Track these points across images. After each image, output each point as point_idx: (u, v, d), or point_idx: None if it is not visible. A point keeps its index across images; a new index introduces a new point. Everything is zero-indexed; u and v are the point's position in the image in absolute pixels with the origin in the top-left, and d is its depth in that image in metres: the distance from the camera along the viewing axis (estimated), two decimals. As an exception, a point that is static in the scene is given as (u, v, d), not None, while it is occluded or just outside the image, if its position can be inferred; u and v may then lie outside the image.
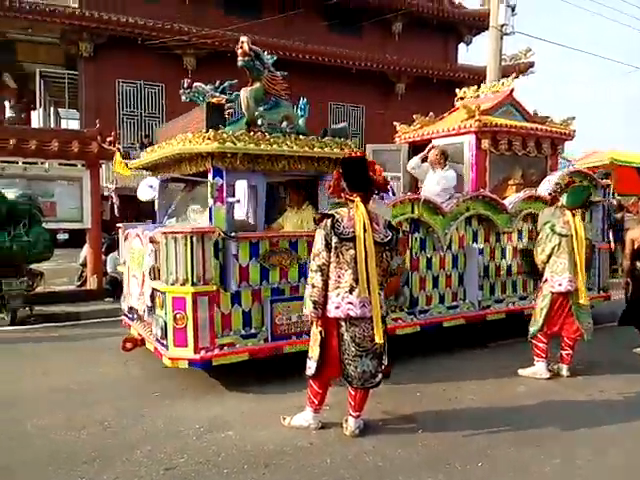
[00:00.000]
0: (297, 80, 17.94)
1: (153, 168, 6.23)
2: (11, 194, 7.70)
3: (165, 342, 4.72)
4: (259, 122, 5.04)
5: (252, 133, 4.91)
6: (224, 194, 4.79)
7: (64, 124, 24.15)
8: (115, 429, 4.02)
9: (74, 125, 22.03)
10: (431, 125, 7.67)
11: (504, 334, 6.49)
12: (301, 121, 5.84)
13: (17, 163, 8.90)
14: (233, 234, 4.76)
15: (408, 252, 5.85)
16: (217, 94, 5.60)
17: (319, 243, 3.70)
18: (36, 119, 21.73)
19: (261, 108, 5.18)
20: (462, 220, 6.20)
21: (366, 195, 3.72)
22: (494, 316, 6.46)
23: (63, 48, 17.26)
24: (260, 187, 5.06)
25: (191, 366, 4.67)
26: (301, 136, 5.17)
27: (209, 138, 4.65)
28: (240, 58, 4.96)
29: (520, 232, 6.79)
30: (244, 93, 5.05)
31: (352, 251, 3.61)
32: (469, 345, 6.20)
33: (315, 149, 5.13)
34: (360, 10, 20.59)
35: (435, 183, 6.36)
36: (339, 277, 3.67)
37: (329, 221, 3.67)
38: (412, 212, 5.79)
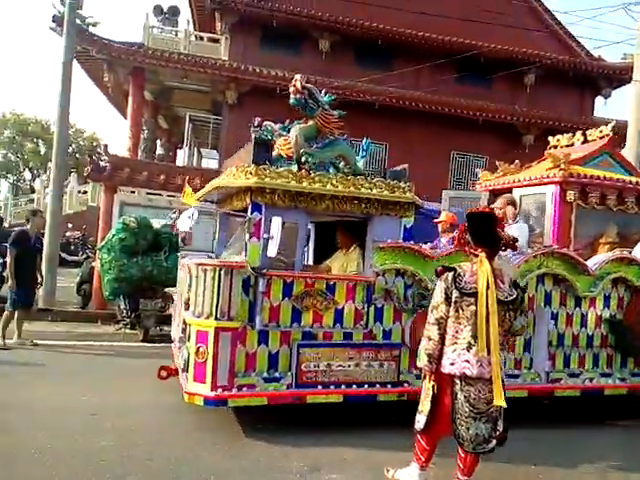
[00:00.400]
0: (422, 128, 18.54)
1: (215, 201, 6.35)
2: (156, 224, 8.66)
3: (186, 375, 4.64)
4: (304, 159, 4.93)
5: (297, 170, 4.82)
6: (261, 230, 4.69)
7: (204, 163, 26.95)
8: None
9: (213, 164, 24.08)
10: (514, 173, 7.09)
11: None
12: (361, 162, 5.69)
13: (162, 195, 9.88)
14: (264, 271, 4.62)
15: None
16: (284, 133, 5.50)
17: (438, 296, 3.66)
18: (181, 157, 24.56)
19: (313, 146, 5.09)
20: (532, 278, 5.54)
21: (492, 251, 3.64)
22: (565, 392, 5.62)
23: (211, 95, 18.81)
24: (302, 225, 4.91)
25: (206, 404, 4.51)
26: (354, 176, 4.98)
27: (250, 173, 4.62)
28: (292, 96, 4.93)
29: (607, 298, 5.91)
30: (294, 131, 4.99)
31: (473, 307, 3.52)
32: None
33: (362, 190, 4.89)
34: (491, 62, 20.41)
35: None
36: (457, 332, 3.58)
37: (451, 274, 3.63)
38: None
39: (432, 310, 3.67)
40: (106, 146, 12.89)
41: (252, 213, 4.70)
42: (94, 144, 42.73)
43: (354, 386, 4.85)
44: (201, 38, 19.32)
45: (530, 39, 21.11)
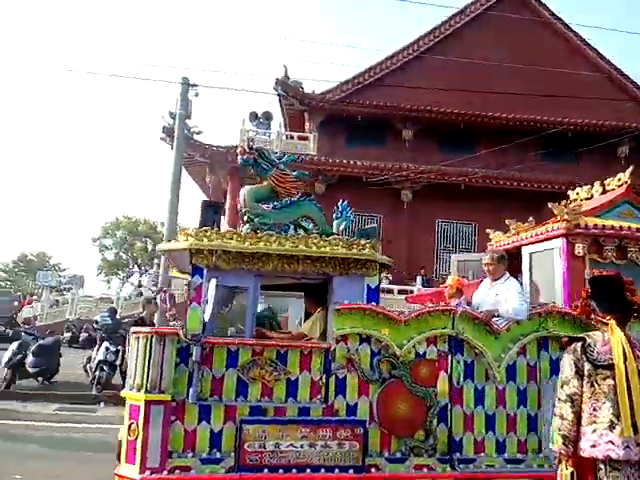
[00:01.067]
0: (512, 205, 18.23)
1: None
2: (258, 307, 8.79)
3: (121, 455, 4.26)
4: (254, 220, 4.70)
5: (249, 231, 4.60)
6: (202, 294, 4.41)
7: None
8: None
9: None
10: (526, 231, 6.40)
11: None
12: (342, 225, 5.41)
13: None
14: (202, 338, 4.27)
15: (446, 378, 4.61)
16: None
17: (567, 369, 3.39)
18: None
19: (271, 206, 4.89)
20: (530, 343, 4.75)
21: (623, 318, 3.41)
22: (585, 483, 4.56)
23: (301, 188, 19.98)
24: (251, 289, 4.58)
25: (139, 489, 4.06)
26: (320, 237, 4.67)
27: (189, 234, 4.44)
28: (240, 157, 4.81)
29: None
30: (242, 191, 4.82)
31: (610, 381, 3.22)
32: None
33: (313, 248, 4.53)
34: (578, 136, 20.26)
35: (496, 295, 5.06)
36: (594, 410, 3.26)
37: (579, 345, 3.39)
38: (452, 327, 4.63)
39: (562, 386, 3.37)
40: None
41: (193, 276, 4.46)
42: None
43: (308, 470, 4.20)
44: (291, 137, 21.09)
45: (617, 110, 20.98)
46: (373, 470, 4.31)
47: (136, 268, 49.38)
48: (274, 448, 4.19)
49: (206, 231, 4.44)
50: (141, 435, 4.05)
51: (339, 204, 5.59)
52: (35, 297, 28.01)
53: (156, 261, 46.46)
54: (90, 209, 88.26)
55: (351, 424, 4.35)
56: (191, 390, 4.16)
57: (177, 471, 4.08)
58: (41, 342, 10.44)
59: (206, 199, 5.64)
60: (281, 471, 4.16)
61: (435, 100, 20.28)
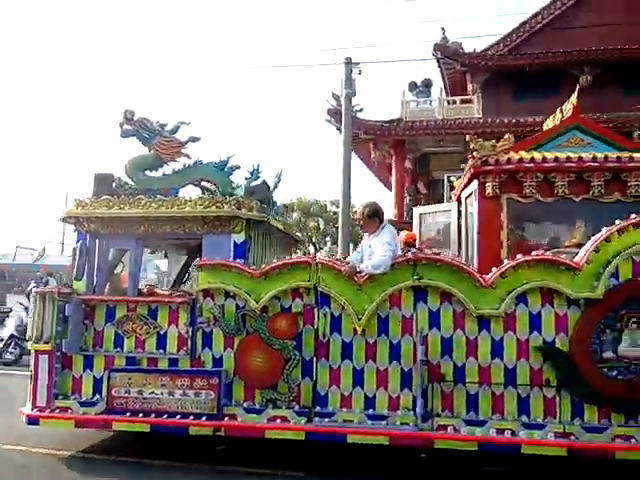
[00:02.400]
0: None
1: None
2: None
3: (32, 398, 5.00)
4: (136, 186, 5.06)
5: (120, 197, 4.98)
6: (84, 257, 4.92)
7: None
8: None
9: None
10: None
11: None
12: (257, 182, 5.52)
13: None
14: (75, 296, 4.80)
15: (312, 331, 4.54)
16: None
17: None
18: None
19: (160, 173, 5.21)
20: (405, 294, 4.43)
21: None
22: (455, 445, 4.18)
23: (464, 155, 19.88)
24: (134, 251, 4.97)
25: (28, 424, 4.77)
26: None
27: (73, 204, 4.96)
28: (120, 130, 5.16)
29: (536, 317, 4.30)
30: (126, 161, 5.18)
31: None
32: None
33: (175, 209, 4.77)
34: None
35: (369, 248, 4.73)
36: None
37: None
38: (308, 279, 4.53)
39: None
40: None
41: (77, 242, 4.98)
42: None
43: (165, 416, 4.53)
44: (454, 102, 20.19)
45: None
46: (227, 419, 4.48)
47: (311, 246, 52.53)
48: (137, 395, 4.59)
49: (86, 200, 4.92)
50: (33, 379, 4.75)
51: (253, 165, 5.66)
52: None
53: (328, 238, 49.60)
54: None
55: (207, 374, 4.55)
56: (64, 342, 4.73)
57: (58, 410, 4.71)
58: None
59: (100, 172, 6.00)
60: (141, 415, 4.55)
61: (610, 40, 17.90)
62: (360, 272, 4.44)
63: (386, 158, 19.61)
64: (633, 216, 4.17)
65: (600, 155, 4.70)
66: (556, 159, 4.71)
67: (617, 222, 4.22)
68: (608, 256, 4.16)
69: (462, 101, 19.71)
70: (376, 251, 4.49)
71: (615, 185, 4.73)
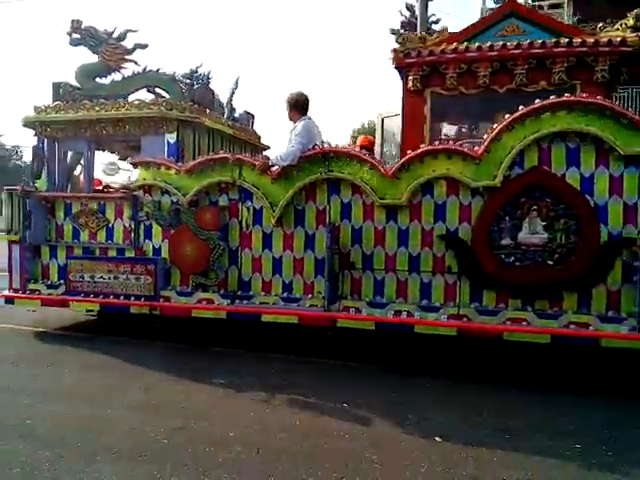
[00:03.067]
0: None
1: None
2: None
3: (12, 282, 5.78)
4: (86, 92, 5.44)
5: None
6: (39, 158, 5.46)
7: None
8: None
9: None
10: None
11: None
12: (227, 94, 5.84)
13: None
14: (34, 193, 5.39)
15: (236, 224, 4.89)
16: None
17: None
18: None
19: (104, 80, 5.56)
20: (318, 185, 4.63)
21: None
22: (354, 324, 4.49)
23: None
24: (86, 152, 5.44)
25: (5, 303, 5.55)
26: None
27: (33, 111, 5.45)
28: (68, 38, 5.48)
29: (441, 207, 4.38)
30: (76, 69, 5.53)
31: None
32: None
33: (113, 111, 5.14)
34: None
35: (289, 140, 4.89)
36: None
37: None
38: (230, 175, 4.81)
39: None
40: None
41: (36, 146, 5.50)
42: None
43: (111, 297, 5.13)
44: (540, 7, 18.70)
45: None
46: (162, 300, 5.01)
47: None
48: (89, 279, 5.20)
49: (41, 106, 5.38)
50: (7, 265, 5.49)
51: (191, 68, 5.87)
52: None
53: None
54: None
55: (145, 261, 5.06)
56: (28, 233, 5.38)
57: (29, 292, 5.44)
58: None
59: (56, 81, 6.18)
60: (92, 296, 5.18)
61: None
62: (272, 165, 4.67)
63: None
64: (537, 101, 4.06)
65: (524, 42, 4.49)
66: (479, 48, 4.55)
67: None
68: (509, 145, 4.12)
69: (550, 6, 17.87)
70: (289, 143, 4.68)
71: (540, 73, 4.53)
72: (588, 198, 4.05)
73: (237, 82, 6.15)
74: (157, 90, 5.66)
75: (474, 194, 4.28)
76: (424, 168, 4.32)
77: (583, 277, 4.04)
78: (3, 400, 3.61)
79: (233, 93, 6.18)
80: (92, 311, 5.69)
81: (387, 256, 4.52)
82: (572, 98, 4.02)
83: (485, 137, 4.18)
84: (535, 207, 4.14)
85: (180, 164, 4.97)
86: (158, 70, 5.60)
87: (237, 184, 4.81)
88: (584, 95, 4.05)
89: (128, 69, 5.58)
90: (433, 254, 4.41)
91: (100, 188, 5.72)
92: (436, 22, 15.08)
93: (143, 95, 5.64)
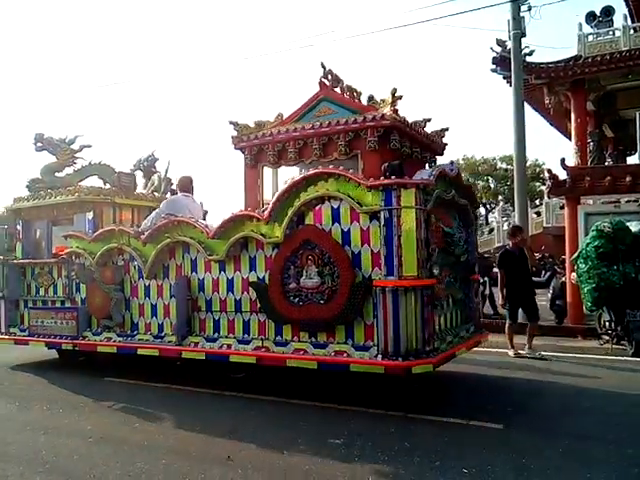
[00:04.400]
0: None
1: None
2: (634, 227, 7.98)
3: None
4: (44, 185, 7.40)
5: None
6: (20, 235, 7.47)
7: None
8: None
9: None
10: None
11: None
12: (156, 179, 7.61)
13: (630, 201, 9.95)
14: (11, 261, 7.37)
15: (129, 278, 6.38)
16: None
17: None
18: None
19: (60, 174, 7.51)
20: (176, 246, 5.97)
21: None
22: (193, 355, 5.69)
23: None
24: (45, 229, 7.36)
25: (-5, 343, 7.53)
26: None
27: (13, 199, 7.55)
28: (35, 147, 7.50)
29: (254, 259, 5.49)
30: (40, 168, 7.53)
31: None
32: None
33: (48, 199, 7.03)
34: None
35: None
36: None
37: None
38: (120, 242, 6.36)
39: None
40: (563, 160, 12.29)
41: (16, 226, 7.54)
42: (537, 170, 45.12)
43: (52, 337, 6.84)
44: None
45: None
46: (81, 339, 6.61)
47: (482, 208, 50.97)
48: (41, 324, 6.98)
49: (18, 197, 7.44)
50: None
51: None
52: None
53: (500, 197, 46.78)
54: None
55: (71, 310, 6.73)
56: (6, 291, 7.34)
57: (7, 334, 7.36)
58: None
59: (30, 177, 7.91)
60: (42, 337, 6.93)
61: None
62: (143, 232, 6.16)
63: (563, 102, 17.34)
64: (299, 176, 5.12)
65: (317, 123, 5.55)
66: (286, 131, 5.67)
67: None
68: (286, 209, 5.18)
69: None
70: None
71: (331, 146, 5.52)
72: (347, 248, 4.96)
73: (167, 167, 7.76)
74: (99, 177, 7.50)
75: (273, 248, 5.35)
76: (236, 230, 5.50)
77: (343, 313, 4.91)
78: None
79: (166, 171, 7.83)
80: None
81: (221, 300, 5.70)
82: (322, 170, 5.04)
83: (270, 203, 5.30)
84: (310, 257, 5.12)
85: (90, 234, 6.62)
86: (100, 162, 7.44)
87: (125, 248, 6.34)
88: (331, 167, 5.04)
89: (77, 164, 7.48)
90: (250, 298, 5.51)
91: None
92: (530, 54, 14.61)
93: (95, 182, 7.53)
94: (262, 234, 5.32)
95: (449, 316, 5.68)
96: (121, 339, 6.32)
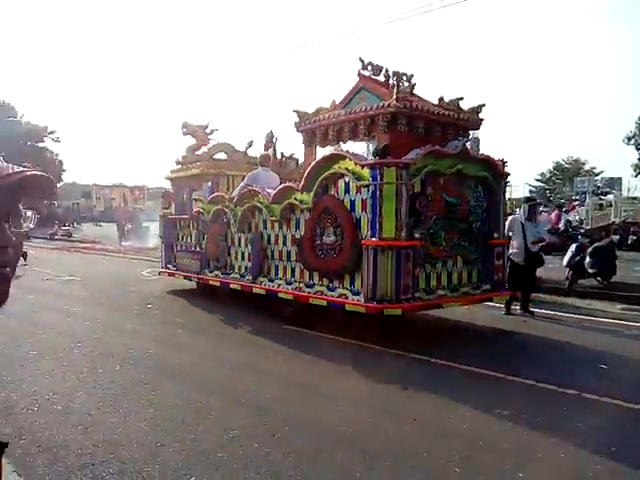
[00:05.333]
0: None
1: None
2: None
3: None
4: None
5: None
6: (174, 197, 10.20)
7: None
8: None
9: None
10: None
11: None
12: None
13: None
14: (167, 216, 10.15)
15: (228, 232, 8.54)
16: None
17: None
18: None
19: (199, 151, 10.03)
20: (247, 209, 7.87)
21: None
22: (258, 291, 7.57)
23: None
24: (187, 194, 9.94)
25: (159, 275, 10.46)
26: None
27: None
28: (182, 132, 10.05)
29: (297, 221, 7.10)
30: (185, 147, 10.09)
31: None
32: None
33: (191, 171, 9.52)
34: None
35: None
36: None
37: None
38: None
39: None
40: None
41: (167, 190, 10.29)
42: None
43: (188, 272, 9.43)
44: None
45: None
46: (202, 274, 9.05)
47: None
48: (183, 262, 9.63)
49: (173, 169, 10.15)
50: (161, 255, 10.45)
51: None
52: (577, 202, 26.35)
53: None
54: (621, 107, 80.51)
55: (198, 253, 9.19)
56: (166, 237, 10.15)
57: (167, 268, 10.22)
58: (597, 244, 10.48)
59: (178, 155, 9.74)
60: (182, 271, 9.60)
61: None
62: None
63: None
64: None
65: (346, 111, 6.79)
66: (328, 117, 7.05)
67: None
68: (315, 179, 6.65)
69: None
70: None
71: (357, 130, 6.72)
72: (352, 214, 6.27)
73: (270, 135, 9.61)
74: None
75: (306, 212, 6.89)
76: (285, 197, 7.16)
77: (347, 265, 6.27)
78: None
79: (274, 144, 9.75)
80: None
81: (279, 251, 7.47)
82: (335, 152, 6.43)
83: (303, 177, 6.82)
84: (329, 220, 6.55)
85: (207, 198, 8.90)
86: (224, 142, 9.71)
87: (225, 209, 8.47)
88: (342, 149, 6.35)
89: (210, 143, 9.86)
90: (295, 250, 7.17)
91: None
92: None
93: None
94: (299, 201, 6.89)
95: (455, 274, 6.60)
96: (222, 276, 8.56)
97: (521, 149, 79.94)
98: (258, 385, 4.72)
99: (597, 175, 45.94)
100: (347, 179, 6.33)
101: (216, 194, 8.75)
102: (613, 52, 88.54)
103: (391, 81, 6.87)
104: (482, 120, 7.26)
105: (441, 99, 7.03)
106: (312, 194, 6.67)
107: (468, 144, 6.57)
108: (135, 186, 38.83)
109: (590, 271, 10.03)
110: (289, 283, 7.19)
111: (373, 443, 3.61)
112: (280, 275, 7.43)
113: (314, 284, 6.80)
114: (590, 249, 10.11)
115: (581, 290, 9.77)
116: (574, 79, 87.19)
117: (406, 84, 6.64)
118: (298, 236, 7.07)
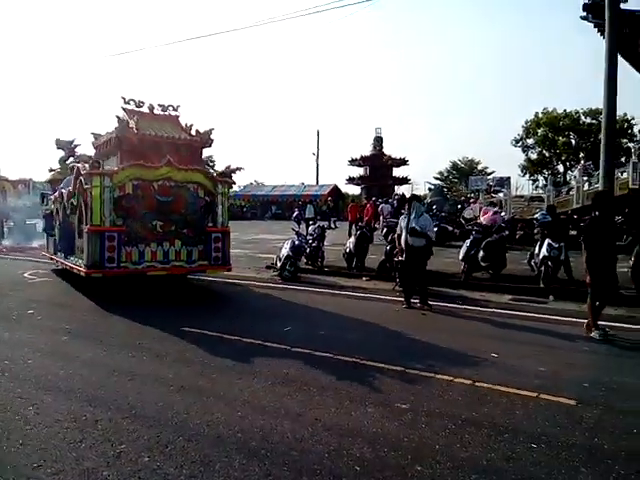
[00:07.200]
0: None
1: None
2: None
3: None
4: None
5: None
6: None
7: None
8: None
9: None
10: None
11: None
12: None
13: None
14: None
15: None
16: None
17: None
18: None
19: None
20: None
21: None
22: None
23: None
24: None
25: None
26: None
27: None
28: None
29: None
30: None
31: None
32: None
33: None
34: None
35: None
36: None
37: None
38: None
39: None
40: None
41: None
42: (625, 125, 41.52)
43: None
44: None
45: None
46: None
47: (560, 165, 47.67)
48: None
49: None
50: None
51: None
52: (472, 200, 27.79)
53: (582, 154, 42.83)
54: (509, 112, 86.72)
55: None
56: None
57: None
58: (488, 239, 10.82)
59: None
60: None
61: None
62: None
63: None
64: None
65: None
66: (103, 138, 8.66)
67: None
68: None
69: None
70: None
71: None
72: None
73: None
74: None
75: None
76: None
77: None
78: None
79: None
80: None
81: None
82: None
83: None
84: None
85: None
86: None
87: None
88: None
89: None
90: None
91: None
92: (624, 1, 12.80)
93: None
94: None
95: (172, 252, 9.04)
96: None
97: (423, 151, 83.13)
98: (152, 394, 4.39)
99: (489, 174, 48.69)
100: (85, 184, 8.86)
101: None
102: (505, 61, 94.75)
103: (156, 111, 9.80)
104: (212, 140, 9.83)
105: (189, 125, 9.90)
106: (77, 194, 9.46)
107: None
108: (19, 179, 35.80)
109: (483, 264, 10.57)
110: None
111: (273, 448, 3.46)
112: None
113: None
114: (483, 244, 10.62)
115: (475, 283, 10.27)
116: (475, 88, 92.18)
117: (173, 113, 9.94)
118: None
